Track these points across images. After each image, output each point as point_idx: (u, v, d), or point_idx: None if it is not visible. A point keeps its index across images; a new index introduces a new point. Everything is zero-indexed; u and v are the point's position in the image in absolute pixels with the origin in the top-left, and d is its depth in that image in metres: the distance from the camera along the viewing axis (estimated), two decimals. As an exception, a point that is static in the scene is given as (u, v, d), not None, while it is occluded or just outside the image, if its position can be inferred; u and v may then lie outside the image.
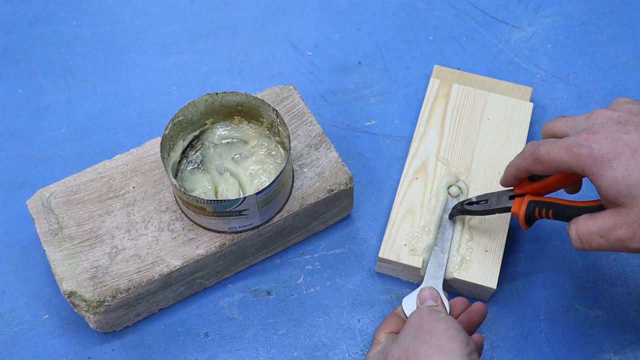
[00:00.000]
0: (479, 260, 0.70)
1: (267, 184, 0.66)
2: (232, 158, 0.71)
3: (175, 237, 0.67)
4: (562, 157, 0.55)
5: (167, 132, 0.66)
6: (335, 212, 0.75)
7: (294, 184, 0.70)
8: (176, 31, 0.92)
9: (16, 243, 0.76)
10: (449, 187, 0.74)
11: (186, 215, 0.68)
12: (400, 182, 0.75)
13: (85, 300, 0.64)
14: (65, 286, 0.65)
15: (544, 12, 0.94)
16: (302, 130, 0.74)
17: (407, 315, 0.68)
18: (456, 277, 0.69)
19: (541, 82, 0.87)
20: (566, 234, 0.76)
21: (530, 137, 0.82)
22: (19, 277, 0.74)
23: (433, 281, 0.69)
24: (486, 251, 0.70)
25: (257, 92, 0.77)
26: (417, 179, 0.75)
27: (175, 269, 0.66)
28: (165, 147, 0.66)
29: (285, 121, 0.74)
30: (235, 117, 0.71)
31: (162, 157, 0.65)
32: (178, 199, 0.68)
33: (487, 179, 0.75)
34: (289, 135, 0.65)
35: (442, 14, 0.94)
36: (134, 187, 0.70)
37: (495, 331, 0.71)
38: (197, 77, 0.88)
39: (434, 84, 0.82)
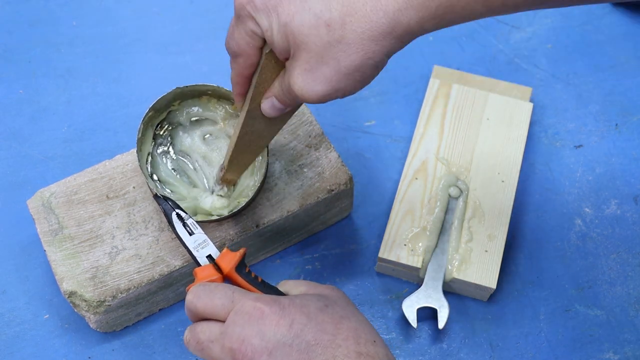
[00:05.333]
0: (478, 260, 0.70)
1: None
2: (204, 138, 0.70)
3: (175, 237, 0.67)
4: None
5: (140, 135, 0.66)
6: (335, 212, 0.75)
7: (294, 184, 0.70)
8: (176, 31, 0.92)
9: (16, 243, 0.76)
10: (448, 188, 0.74)
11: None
12: (400, 182, 0.75)
13: (85, 300, 0.64)
14: (66, 286, 0.65)
15: (544, 12, 0.94)
16: (302, 130, 0.74)
17: (408, 317, 0.68)
18: (456, 277, 0.69)
19: (541, 82, 0.87)
20: (565, 233, 0.76)
21: (529, 137, 0.82)
22: (19, 277, 0.74)
23: (433, 282, 0.69)
24: (486, 251, 0.70)
25: (257, 92, 0.77)
26: (417, 179, 0.75)
27: (175, 269, 0.66)
28: (139, 147, 0.66)
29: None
30: (203, 97, 0.70)
31: (140, 163, 0.65)
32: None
33: (486, 179, 0.75)
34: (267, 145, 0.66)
35: (442, 14, 0.94)
36: (134, 187, 0.70)
37: (495, 331, 0.71)
38: (197, 77, 0.88)
39: (433, 84, 0.82)
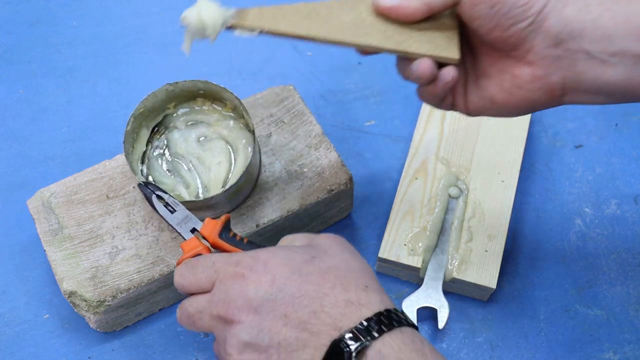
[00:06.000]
0: (478, 260, 0.70)
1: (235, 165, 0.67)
2: (198, 141, 0.71)
3: (175, 237, 0.67)
4: None
5: (129, 127, 0.66)
6: (335, 212, 0.75)
7: (294, 184, 0.70)
8: (176, 31, 0.92)
9: (17, 243, 0.76)
10: (448, 188, 0.74)
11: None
12: (400, 182, 0.75)
13: (85, 300, 0.64)
14: (66, 286, 0.65)
15: (544, 12, 0.94)
16: (302, 130, 0.74)
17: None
18: (456, 277, 0.69)
19: (541, 82, 0.87)
20: (566, 233, 0.76)
21: (529, 137, 0.82)
22: (19, 277, 0.74)
23: (433, 282, 0.69)
24: (486, 251, 0.70)
25: (257, 92, 0.77)
26: (417, 179, 0.75)
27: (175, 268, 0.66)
28: (129, 141, 0.66)
29: (286, 121, 0.74)
30: (197, 99, 0.71)
31: (126, 155, 0.65)
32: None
33: (486, 179, 0.75)
34: (253, 130, 0.66)
35: (442, 14, 0.94)
36: (134, 187, 0.70)
37: (495, 331, 0.71)
38: (197, 78, 0.88)
39: (433, 84, 0.82)
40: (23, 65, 0.89)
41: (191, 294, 0.51)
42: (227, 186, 0.64)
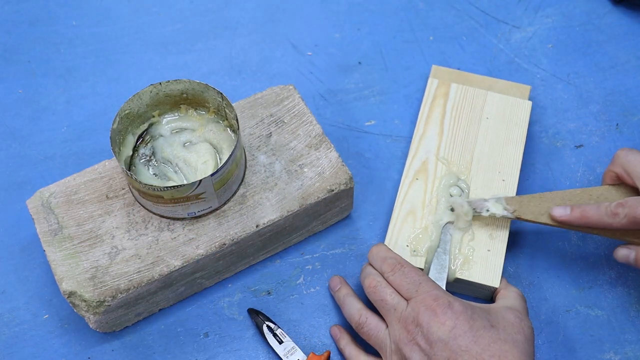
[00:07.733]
0: (481, 260, 0.69)
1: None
2: (184, 145, 0.71)
3: (175, 237, 0.67)
4: None
5: (115, 126, 0.66)
6: (335, 212, 0.75)
7: (294, 184, 0.70)
8: (176, 31, 0.92)
9: (16, 243, 0.76)
10: (449, 187, 0.74)
11: (143, 207, 0.69)
12: (401, 183, 0.75)
13: (85, 300, 0.64)
14: (65, 286, 0.65)
15: (544, 12, 0.94)
16: (302, 130, 0.74)
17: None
18: (459, 277, 0.69)
19: (541, 82, 0.87)
20: (566, 233, 0.76)
21: (530, 137, 0.82)
22: (19, 277, 0.74)
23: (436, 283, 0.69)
24: (488, 251, 0.70)
25: (257, 92, 0.77)
26: (417, 179, 0.75)
27: (175, 269, 0.66)
28: (115, 141, 0.66)
29: (286, 121, 0.74)
30: (181, 106, 0.71)
31: (114, 152, 0.65)
32: (134, 190, 0.68)
33: (487, 178, 0.75)
34: (236, 117, 0.66)
35: (442, 14, 0.94)
36: (134, 187, 0.70)
37: (495, 331, 0.71)
38: (197, 77, 0.87)
39: (432, 83, 0.82)
40: (22, 65, 0.89)
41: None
42: (215, 171, 0.64)
